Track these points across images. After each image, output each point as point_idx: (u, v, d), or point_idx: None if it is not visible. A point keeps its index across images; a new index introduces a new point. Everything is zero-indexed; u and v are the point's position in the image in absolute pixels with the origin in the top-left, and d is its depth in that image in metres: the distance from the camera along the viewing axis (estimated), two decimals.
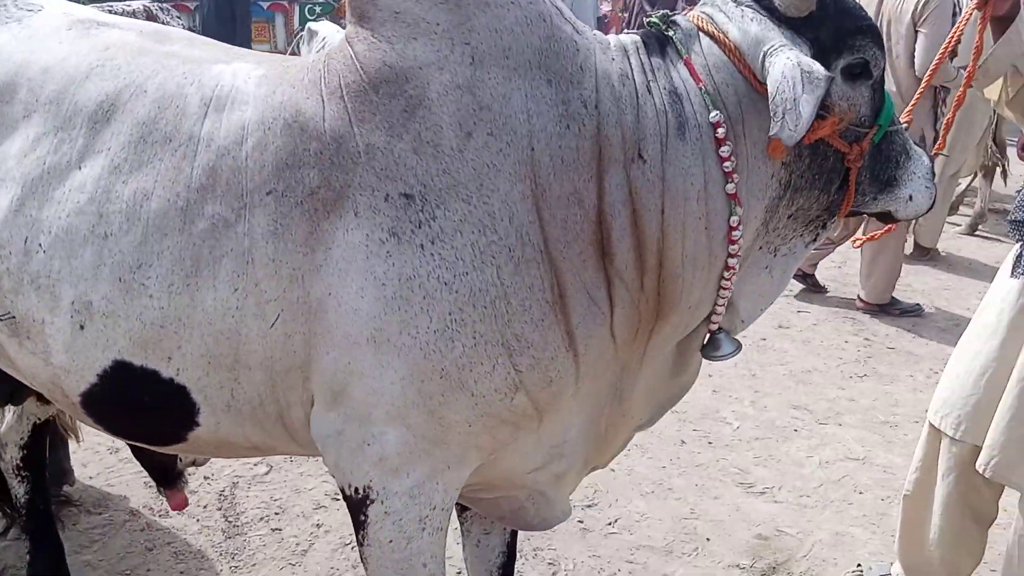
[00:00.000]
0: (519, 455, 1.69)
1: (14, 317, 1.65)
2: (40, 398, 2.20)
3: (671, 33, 1.60)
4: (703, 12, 1.61)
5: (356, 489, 1.61)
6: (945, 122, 2.28)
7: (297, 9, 9.51)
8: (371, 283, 1.47)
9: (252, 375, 1.58)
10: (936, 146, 2.21)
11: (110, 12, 2.49)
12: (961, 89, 2.13)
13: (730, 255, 1.59)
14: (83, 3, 2.07)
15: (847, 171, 1.62)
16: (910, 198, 1.69)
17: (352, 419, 1.56)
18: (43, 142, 1.62)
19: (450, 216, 1.46)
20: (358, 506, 1.62)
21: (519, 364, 1.51)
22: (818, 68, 1.45)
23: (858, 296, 5.15)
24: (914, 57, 4.65)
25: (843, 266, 5.76)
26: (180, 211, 1.55)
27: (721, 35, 1.56)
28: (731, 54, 1.55)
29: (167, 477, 2.48)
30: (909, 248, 5.65)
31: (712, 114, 1.53)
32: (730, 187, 1.54)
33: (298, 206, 1.50)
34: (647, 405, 1.82)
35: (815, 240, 1.73)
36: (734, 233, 1.56)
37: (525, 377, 1.53)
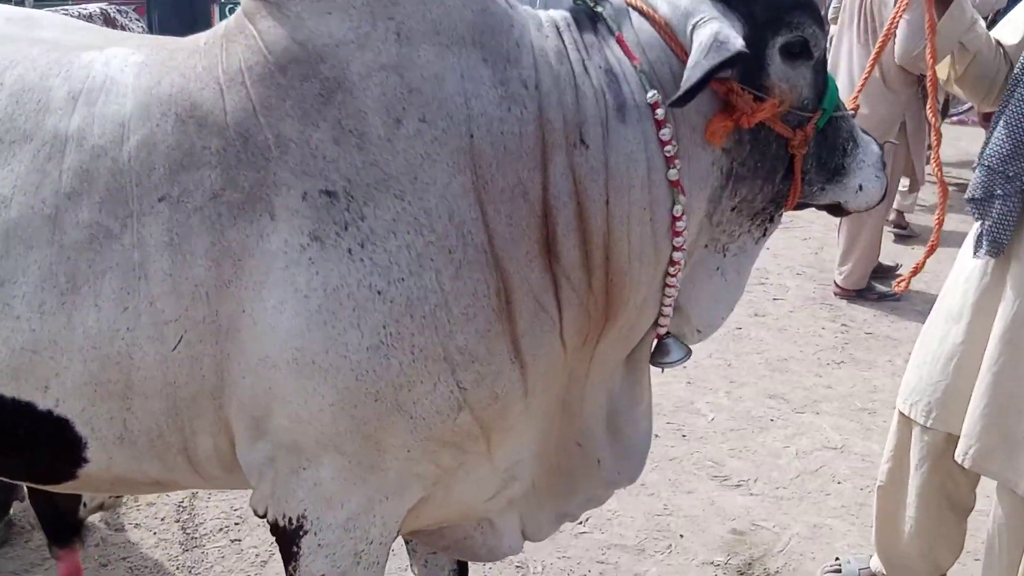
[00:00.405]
0: (474, 484, 1.56)
1: None
2: None
3: (600, 9, 1.49)
4: None
5: (290, 519, 1.46)
6: (930, 107, 2.23)
7: None
8: (291, 296, 1.31)
9: (149, 404, 1.40)
10: (933, 133, 2.12)
11: (66, 15, 2.30)
12: (929, 71, 2.06)
13: (675, 248, 1.48)
14: (36, 7, 1.93)
15: (792, 159, 1.53)
16: (860, 188, 1.60)
17: (281, 446, 1.41)
18: None
19: (381, 215, 1.31)
20: (291, 537, 1.47)
21: (463, 380, 1.38)
22: (734, 39, 1.35)
23: (834, 282, 5.09)
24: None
25: (819, 252, 5.70)
26: (48, 219, 1.35)
27: (650, 10, 1.47)
28: (662, 31, 1.45)
29: (63, 531, 2.26)
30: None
31: (649, 94, 1.43)
32: (672, 173, 1.44)
33: (197, 212, 1.33)
34: (601, 426, 1.67)
35: (764, 235, 1.63)
36: (678, 224, 1.46)
37: (469, 395, 1.39)
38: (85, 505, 2.27)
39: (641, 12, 1.48)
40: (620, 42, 1.46)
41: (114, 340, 1.35)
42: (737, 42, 1.35)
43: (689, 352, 1.64)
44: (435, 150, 1.33)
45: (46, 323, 1.35)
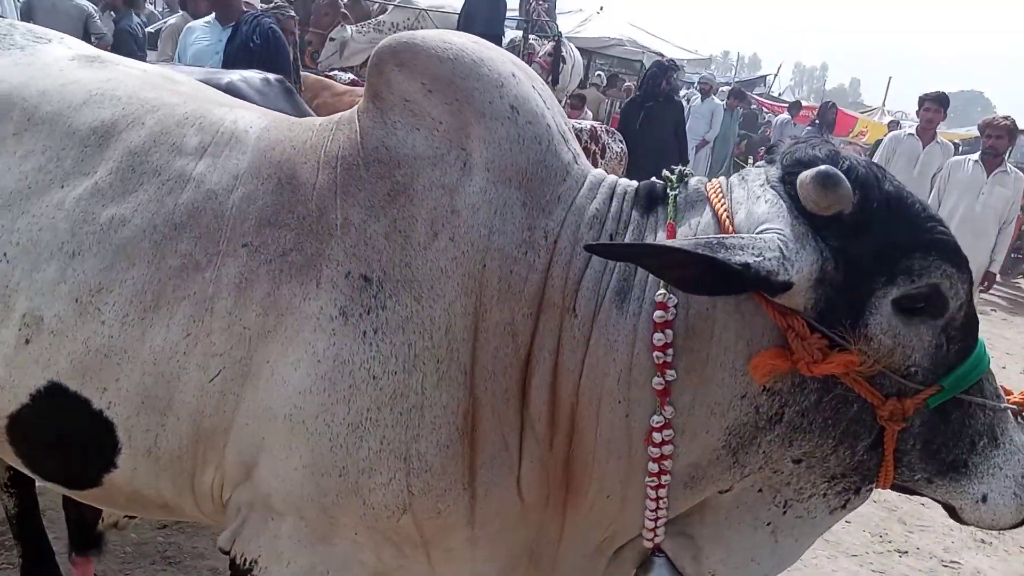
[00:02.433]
0: None
1: None
2: None
3: (674, 192, 1.46)
4: (730, 181, 1.46)
5: (245, 560, 1.56)
6: None
7: None
8: (308, 357, 1.42)
9: (179, 425, 1.52)
10: None
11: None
12: None
13: (651, 458, 1.39)
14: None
15: (882, 430, 1.34)
16: (983, 499, 1.35)
17: (259, 495, 1.51)
18: (30, 159, 1.62)
19: (399, 310, 1.41)
20: None
21: (412, 485, 1.42)
22: (750, 254, 1.23)
23: None
24: None
25: None
26: (154, 244, 1.52)
27: (725, 214, 1.38)
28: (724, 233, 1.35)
29: (85, 539, 2.49)
30: None
31: (659, 293, 1.36)
32: (657, 382, 1.36)
33: (266, 264, 1.47)
34: None
35: (844, 508, 1.43)
36: (655, 435, 1.38)
37: (415, 500, 1.43)
38: (103, 520, 2.50)
39: (715, 212, 1.40)
40: (670, 231, 1.42)
41: (171, 360, 1.49)
42: (744, 258, 1.23)
43: None
44: (453, 268, 1.42)
45: (124, 333, 1.51)
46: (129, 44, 6.43)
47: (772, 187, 1.36)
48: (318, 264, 1.45)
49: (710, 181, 1.48)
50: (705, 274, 1.24)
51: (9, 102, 1.67)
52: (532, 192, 1.45)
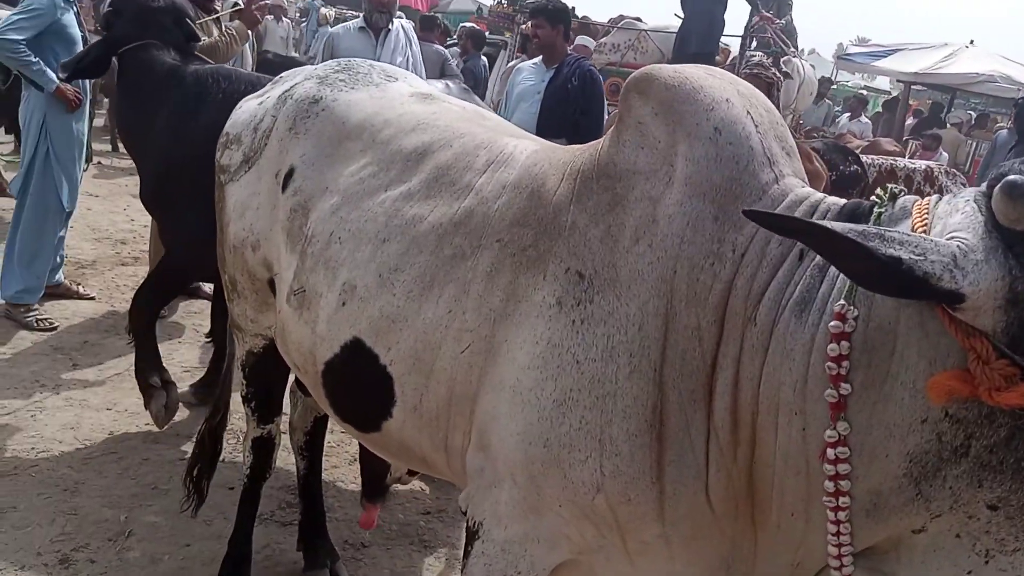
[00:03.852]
0: None
1: (305, 291, 2.07)
2: None
3: (880, 209, 1.43)
4: (943, 198, 1.39)
5: (475, 522, 1.76)
6: None
7: None
8: (530, 338, 1.62)
9: (438, 388, 1.78)
10: None
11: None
12: None
13: (828, 477, 1.34)
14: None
15: None
16: None
17: (488, 461, 1.70)
18: (367, 169, 2.07)
19: (603, 305, 1.56)
20: (471, 537, 1.78)
21: (605, 467, 1.53)
22: (927, 260, 1.17)
23: None
24: None
25: None
26: (438, 237, 1.83)
27: (922, 227, 1.32)
28: None
29: (374, 489, 2.93)
30: None
31: (839, 303, 1.34)
32: (829, 394, 1.32)
33: (511, 256, 1.70)
34: None
35: None
36: (829, 451, 1.34)
37: (607, 482, 1.54)
38: (390, 474, 2.95)
39: (912, 226, 1.34)
40: None
41: (436, 330, 1.78)
42: (897, 252, 1.17)
43: None
44: (648, 271, 1.54)
45: (408, 304, 1.83)
46: (469, 81, 7.34)
47: (974, 201, 1.29)
48: (547, 259, 1.66)
49: (922, 199, 1.42)
50: (872, 267, 1.19)
51: (362, 126, 2.18)
52: (724, 207, 1.52)
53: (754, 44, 9.66)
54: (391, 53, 5.45)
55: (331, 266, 2.01)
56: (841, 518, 1.37)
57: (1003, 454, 1.23)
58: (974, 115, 14.73)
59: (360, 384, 1.96)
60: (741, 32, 9.65)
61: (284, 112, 2.32)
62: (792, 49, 9.43)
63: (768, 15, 9.75)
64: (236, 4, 5.42)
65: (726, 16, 8.90)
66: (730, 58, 9.45)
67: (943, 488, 1.29)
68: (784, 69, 8.67)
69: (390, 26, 5.49)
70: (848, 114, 14.34)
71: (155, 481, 3.51)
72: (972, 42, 14.66)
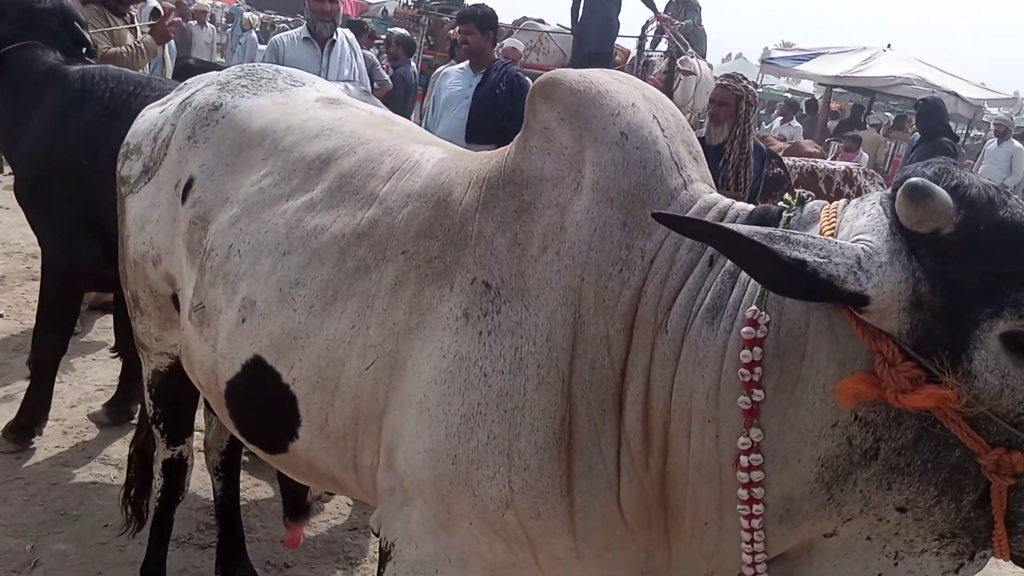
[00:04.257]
0: None
1: (204, 307, 1.98)
2: None
3: (789, 214, 1.43)
4: (851, 201, 1.40)
5: (386, 542, 1.72)
6: None
7: None
8: (436, 351, 1.57)
9: (344, 406, 1.72)
10: None
11: None
12: None
13: (741, 484, 1.35)
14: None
15: (989, 485, 1.20)
16: None
17: (397, 480, 1.65)
18: (268, 178, 1.97)
19: (510, 315, 1.52)
20: (383, 558, 1.74)
21: (514, 482, 1.50)
22: (819, 260, 1.17)
23: None
24: None
25: None
26: (341, 249, 1.76)
27: (830, 231, 1.32)
28: None
29: (296, 507, 2.84)
30: None
31: (750, 309, 1.33)
32: (743, 401, 1.32)
33: (416, 268, 1.65)
34: None
35: (956, 573, 1.30)
36: (742, 458, 1.33)
37: (516, 497, 1.50)
38: (310, 493, 2.86)
39: (820, 230, 1.34)
40: None
41: (339, 347, 1.71)
42: (801, 255, 1.17)
43: None
44: (556, 280, 1.50)
45: (310, 320, 1.76)
46: (400, 88, 7.27)
47: (880, 204, 1.29)
48: (453, 270, 1.61)
49: (830, 203, 1.42)
50: (777, 269, 1.19)
51: (263, 133, 2.08)
52: (633, 213, 1.50)
53: (663, 45, 9.90)
54: (338, 63, 5.31)
55: (230, 281, 1.93)
56: (755, 525, 1.37)
57: (911, 456, 1.24)
58: (892, 117, 15.20)
59: (263, 404, 1.89)
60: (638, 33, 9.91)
61: (183, 120, 2.22)
62: (690, 50, 9.64)
63: (666, 16, 10.00)
64: (156, 10, 5.24)
65: (621, 18, 9.21)
66: (629, 58, 9.61)
67: (854, 492, 1.30)
68: (683, 68, 8.89)
69: (335, 36, 5.36)
70: (780, 118, 14.69)
71: (64, 507, 3.33)
72: (889, 46, 15.20)
